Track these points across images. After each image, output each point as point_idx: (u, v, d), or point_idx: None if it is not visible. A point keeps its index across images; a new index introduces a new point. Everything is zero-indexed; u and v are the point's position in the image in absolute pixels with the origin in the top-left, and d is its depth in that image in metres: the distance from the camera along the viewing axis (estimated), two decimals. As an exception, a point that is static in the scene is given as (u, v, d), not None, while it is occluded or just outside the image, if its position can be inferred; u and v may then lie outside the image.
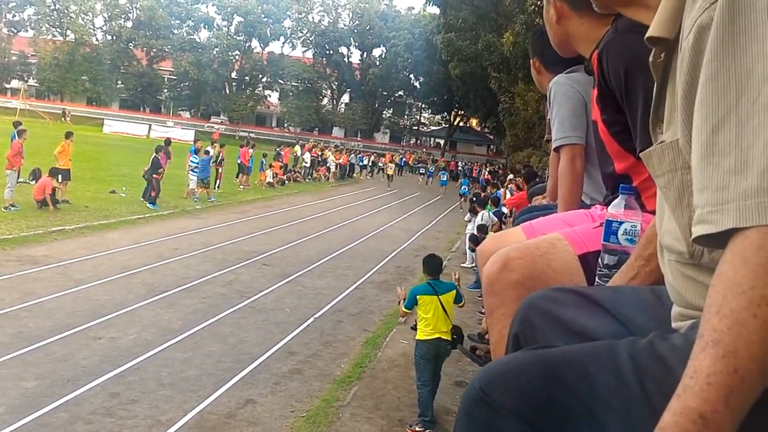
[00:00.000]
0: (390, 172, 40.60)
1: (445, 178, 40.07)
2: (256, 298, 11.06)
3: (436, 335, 6.67)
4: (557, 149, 2.60)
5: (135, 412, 6.35)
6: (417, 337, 6.86)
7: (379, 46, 76.90)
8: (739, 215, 0.80)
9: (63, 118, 59.52)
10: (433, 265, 7.06)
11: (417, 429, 6.51)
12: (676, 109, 1.01)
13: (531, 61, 3.21)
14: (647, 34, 1.07)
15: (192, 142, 24.91)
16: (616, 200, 1.64)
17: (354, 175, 40.88)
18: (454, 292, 7.02)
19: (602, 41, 1.88)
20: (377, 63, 76.10)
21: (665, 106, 1.09)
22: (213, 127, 71.09)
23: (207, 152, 23.19)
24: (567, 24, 2.15)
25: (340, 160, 40.32)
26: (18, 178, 16.46)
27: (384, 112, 79.39)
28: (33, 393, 6.50)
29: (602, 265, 1.62)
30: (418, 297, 6.82)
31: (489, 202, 15.31)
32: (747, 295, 0.78)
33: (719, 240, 0.84)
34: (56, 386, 6.69)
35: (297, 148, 38.88)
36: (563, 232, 1.86)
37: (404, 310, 7.09)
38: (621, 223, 1.58)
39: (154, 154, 19.42)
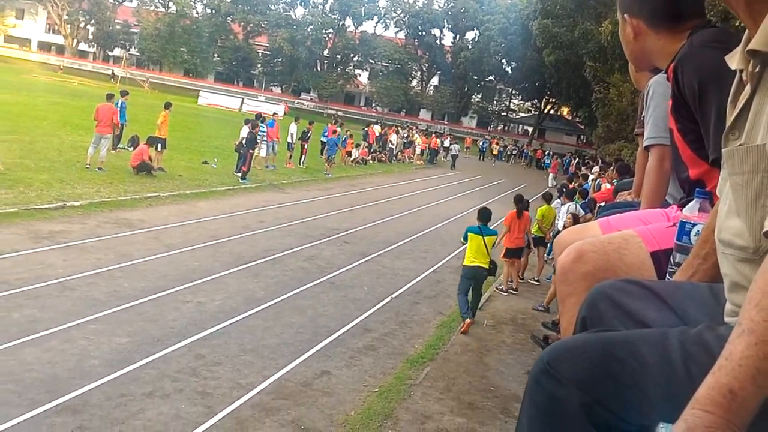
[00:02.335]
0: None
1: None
2: (335, 274, 11.33)
3: (476, 263, 9.44)
4: (647, 148, 2.65)
5: (218, 374, 6.68)
6: (463, 263, 9.65)
7: (473, 30, 76.10)
8: None
9: (144, 86, 61.52)
10: (484, 213, 9.76)
11: (463, 324, 9.28)
12: (764, 117, 1.09)
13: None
14: (749, 47, 1.15)
15: (271, 116, 25.41)
16: (692, 203, 1.72)
17: (436, 158, 40.77)
18: (496, 237, 9.89)
19: (678, 55, 1.94)
20: (469, 46, 75.32)
21: (749, 114, 1.16)
22: (303, 103, 72.36)
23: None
24: (644, 40, 2.20)
25: (428, 144, 40.32)
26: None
27: (473, 96, 78.70)
28: (125, 349, 6.92)
29: (674, 263, 1.69)
30: (469, 234, 9.54)
31: (577, 194, 15.05)
32: None
33: None
34: (146, 344, 7.10)
35: (377, 128, 39.01)
36: (637, 230, 1.93)
37: (462, 241, 9.85)
38: (694, 224, 1.64)
39: (247, 128, 19.94)
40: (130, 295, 8.53)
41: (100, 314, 7.75)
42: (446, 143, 43.54)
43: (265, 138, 21.75)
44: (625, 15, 2.21)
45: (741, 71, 1.22)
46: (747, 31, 1.21)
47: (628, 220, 2.20)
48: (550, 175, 37.03)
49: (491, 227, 9.90)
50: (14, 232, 10.52)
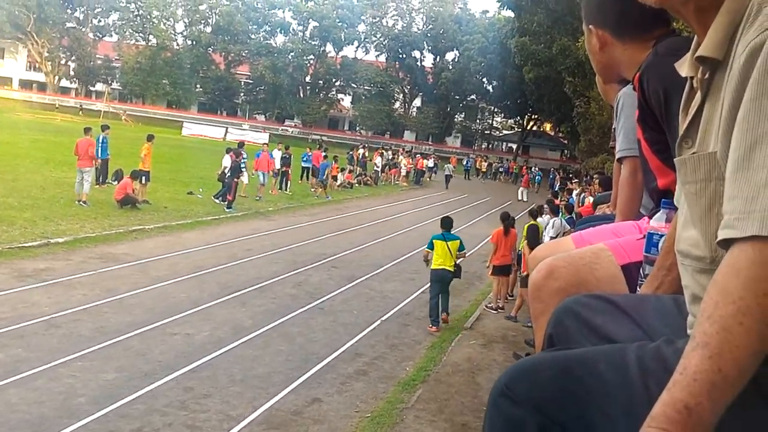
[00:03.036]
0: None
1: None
2: (324, 300, 11.29)
3: (442, 266, 10.38)
4: (620, 160, 2.66)
5: (207, 406, 6.61)
6: (431, 268, 10.53)
7: (453, 50, 76.70)
8: (762, 224, 0.89)
9: (123, 119, 61.47)
10: (446, 222, 10.79)
11: (430, 327, 10.29)
12: (715, 124, 1.09)
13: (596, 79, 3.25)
14: (698, 53, 1.14)
15: (261, 145, 25.66)
16: (658, 213, 1.72)
17: (422, 179, 40.90)
18: (458, 241, 10.63)
19: (643, 64, 1.94)
20: (450, 67, 75.88)
21: (701, 122, 1.16)
22: (287, 129, 72.52)
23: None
24: (611, 51, 2.21)
25: (413, 165, 40.42)
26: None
27: (456, 116, 79.07)
28: (112, 385, 6.84)
29: (643, 276, 1.69)
30: (433, 241, 10.50)
31: (563, 209, 15.09)
32: (735, 305, 0.88)
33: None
34: (134, 379, 7.03)
35: (361, 151, 39.19)
36: (608, 243, 1.93)
37: (426, 250, 10.70)
38: (662, 235, 1.64)
39: (228, 156, 19.99)
40: (116, 330, 8.46)
41: (87, 351, 7.67)
42: (430, 164, 43.76)
43: (244, 166, 21.68)
44: (591, 26, 2.22)
45: (692, 78, 1.23)
46: (696, 37, 1.21)
47: (600, 234, 2.20)
48: (521, 189, 37.48)
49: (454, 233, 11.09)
50: (-2, 271, 10.42)
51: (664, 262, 1.54)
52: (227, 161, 19.98)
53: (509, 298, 12.87)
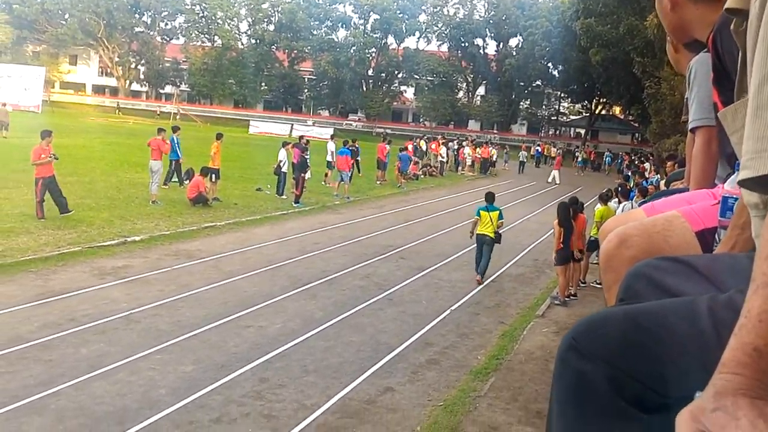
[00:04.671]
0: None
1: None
2: (393, 291, 11.31)
3: (483, 232, 12.39)
4: (693, 130, 2.56)
5: (282, 396, 6.72)
6: (476, 232, 12.64)
7: (516, 36, 75.51)
8: None
9: (176, 117, 62.90)
10: (489, 196, 12.81)
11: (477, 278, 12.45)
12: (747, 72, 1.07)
13: (668, 39, 3.13)
14: (726, 6, 1.13)
15: (352, 143, 26.02)
16: (732, 176, 1.65)
17: (490, 168, 40.53)
18: (498, 212, 12.65)
19: (716, 23, 1.85)
20: (514, 53, 74.78)
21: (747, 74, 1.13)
22: (351, 124, 72.98)
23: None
24: (682, 11, 2.12)
25: (478, 154, 40.08)
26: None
27: (521, 103, 78.02)
28: (191, 376, 7.03)
29: (719, 240, 1.62)
30: (480, 211, 12.62)
31: (637, 192, 14.71)
32: None
33: (763, 185, 0.94)
34: (211, 371, 7.20)
35: (422, 142, 39.11)
36: (681, 210, 1.86)
37: (476, 217, 12.80)
38: (736, 198, 1.57)
39: (284, 150, 20.51)
40: (192, 324, 8.68)
41: (165, 344, 7.89)
42: (495, 152, 43.35)
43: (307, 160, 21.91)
44: None
45: None
46: None
47: (672, 202, 2.12)
48: (554, 172, 36.71)
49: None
50: (79, 270, 10.83)
51: (737, 221, 1.48)
52: (282, 155, 20.45)
53: (581, 285, 12.62)
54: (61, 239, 12.46)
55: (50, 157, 13.90)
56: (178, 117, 59.59)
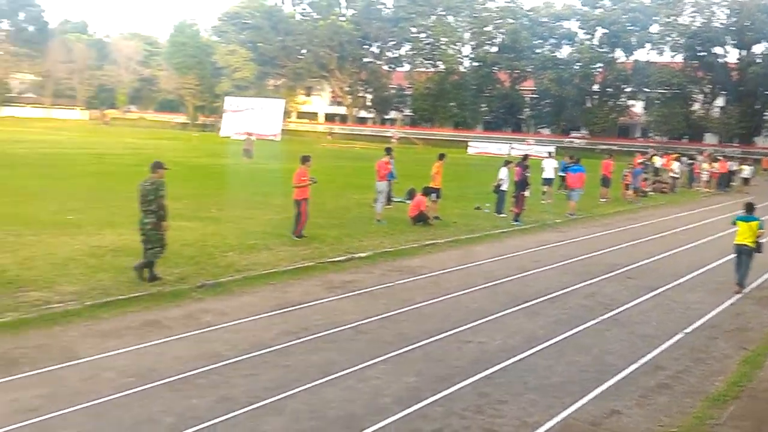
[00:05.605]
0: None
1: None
2: (619, 311, 10.79)
3: (742, 242, 12.48)
4: None
5: (503, 411, 6.66)
6: (734, 242, 12.64)
7: (760, 42, 69.21)
8: None
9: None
10: (749, 206, 12.78)
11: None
12: None
13: None
14: None
15: (571, 160, 25.58)
16: None
17: (730, 184, 37.30)
18: (758, 222, 12.48)
19: None
20: (758, 60, 68.53)
21: None
22: (573, 141, 71.10)
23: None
24: None
25: (715, 169, 37.09)
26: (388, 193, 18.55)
27: (766, 113, 71.08)
28: (413, 387, 7.20)
29: None
30: (737, 221, 12.70)
31: None
32: None
33: None
34: (433, 382, 7.33)
35: (655, 158, 37.02)
36: None
37: (732, 224, 13.04)
38: None
39: (505, 169, 20.59)
40: (415, 337, 8.90)
41: (390, 355, 8.17)
42: (734, 167, 39.62)
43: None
44: None
45: None
46: None
47: None
48: None
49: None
50: (312, 283, 11.60)
51: None
52: (503, 173, 20.47)
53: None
54: (296, 255, 13.43)
55: (310, 180, 15.04)
56: (394, 140, 61.87)
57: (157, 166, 10.96)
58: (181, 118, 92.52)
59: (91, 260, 11.85)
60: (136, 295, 10.03)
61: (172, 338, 8.45)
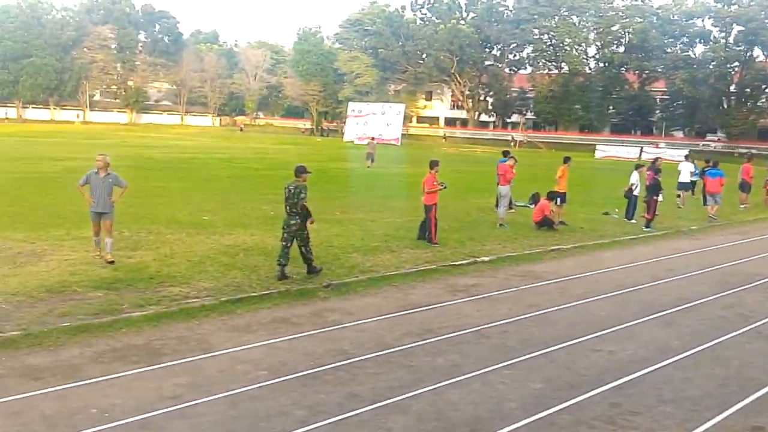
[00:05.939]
0: None
1: None
2: (762, 323, 10.10)
3: None
4: None
5: (636, 423, 6.38)
6: None
7: None
8: None
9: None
10: None
11: None
12: None
13: None
14: None
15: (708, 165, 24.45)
16: None
17: None
18: None
19: None
20: None
21: None
22: (708, 145, 67.55)
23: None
24: None
25: None
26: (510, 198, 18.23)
27: None
28: (540, 394, 7.03)
29: None
30: None
31: None
32: None
33: None
34: (560, 390, 7.12)
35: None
36: None
37: None
38: None
39: (636, 173, 19.90)
40: (541, 343, 8.70)
41: (514, 360, 8.03)
42: None
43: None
44: None
45: None
46: None
47: None
48: None
49: None
50: (434, 286, 11.60)
51: None
52: (634, 178, 19.81)
53: None
54: (418, 258, 13.48)
55: (439, 185, 15.10)
56: (514, 145, 60.93)
57: (301, 170, 11.54)
58: (305, 124, 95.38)
59: (224, 258, 12.39)
60: (267, 292, 10.40)
61: (301, 335, 8.68)
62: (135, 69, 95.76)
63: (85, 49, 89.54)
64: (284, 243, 11.31)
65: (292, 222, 11.29)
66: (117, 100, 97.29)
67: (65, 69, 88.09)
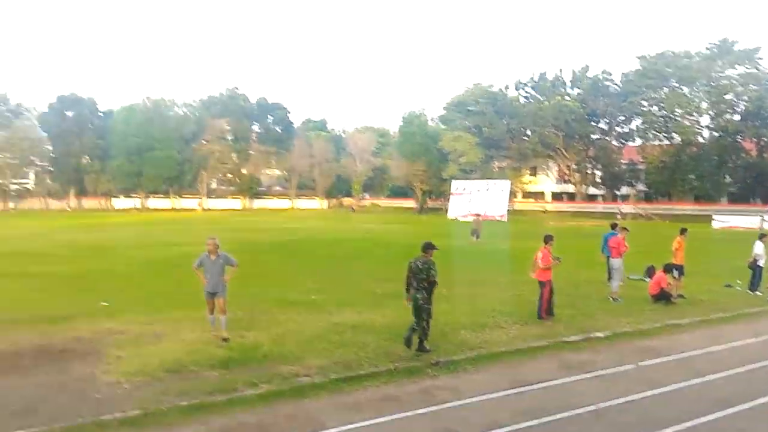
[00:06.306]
0: None
1: None
2: None
3: None
4: None
5: None
6: None
7: None
8: None
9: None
10: None
11: None
12: None
13: None
14: None
15: None
16: None
17: None
18: None
19: None
20: None
21: None
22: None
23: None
24: None
25: None
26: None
27: None
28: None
29: None
30: None
31: None
32: None
33: None
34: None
35: None
36: None
37: None
38: None
39: (760, 243, 18.95)
40: (663, 423, 8.23)
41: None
42: None
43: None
44: None
45: None
46: None
47: None
48: None
49: None
50: (547, 363, 11.25)
51: None
52: (759, 248, 18.81)
53: None
54: (528, 334, 13.15)
55: (555, 260, 14.88)
56: (621, 218, 59.07)
57: (429, 246, 11.92)
58: (410, 203, 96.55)
59: (333, 336, 12.52)
60: (375, 370, 10.38)
61: (409, 413, 8.59)
62: (249, 158, 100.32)
63: (203, 141, 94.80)
64: (416, 319, 11.48)
65: (419, 296, 11.46)
66: (232, 188, 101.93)
67: (185, 160, 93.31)
